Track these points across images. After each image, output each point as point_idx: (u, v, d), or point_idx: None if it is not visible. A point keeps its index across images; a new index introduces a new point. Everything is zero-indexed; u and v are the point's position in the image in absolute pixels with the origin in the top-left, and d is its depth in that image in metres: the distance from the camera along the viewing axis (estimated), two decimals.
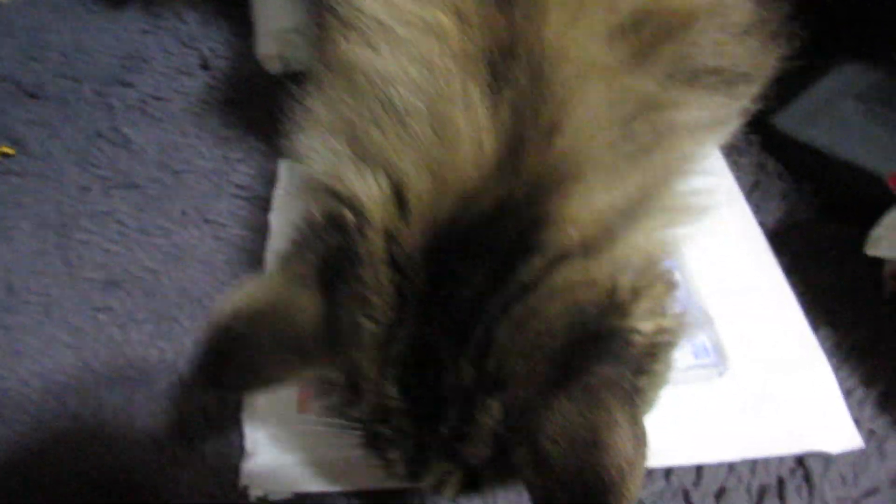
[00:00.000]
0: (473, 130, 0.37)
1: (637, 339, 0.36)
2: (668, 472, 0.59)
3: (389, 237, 0.37)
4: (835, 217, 0.78)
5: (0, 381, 0.65)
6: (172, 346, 0.68)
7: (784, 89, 0.89)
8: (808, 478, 0.59)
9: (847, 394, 0.63)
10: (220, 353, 0.38)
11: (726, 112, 0.50)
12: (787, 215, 0.78)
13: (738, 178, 0.81)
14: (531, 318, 0.35)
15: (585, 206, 0.37)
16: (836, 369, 0.64)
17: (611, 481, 0.31)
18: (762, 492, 0.58)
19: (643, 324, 0.37)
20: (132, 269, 0.74)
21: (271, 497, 0.59)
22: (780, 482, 0.59)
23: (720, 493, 0.58)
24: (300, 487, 0.58)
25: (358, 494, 0.59)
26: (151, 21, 1.04)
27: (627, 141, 0.40)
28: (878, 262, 0.69)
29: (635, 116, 0.41)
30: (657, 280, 0.40)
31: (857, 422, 0.61)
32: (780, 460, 0.60)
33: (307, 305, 0.37)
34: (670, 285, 0.41)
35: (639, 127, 0.41)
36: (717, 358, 0.63)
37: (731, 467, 0.60)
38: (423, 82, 0.38)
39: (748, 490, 0.59)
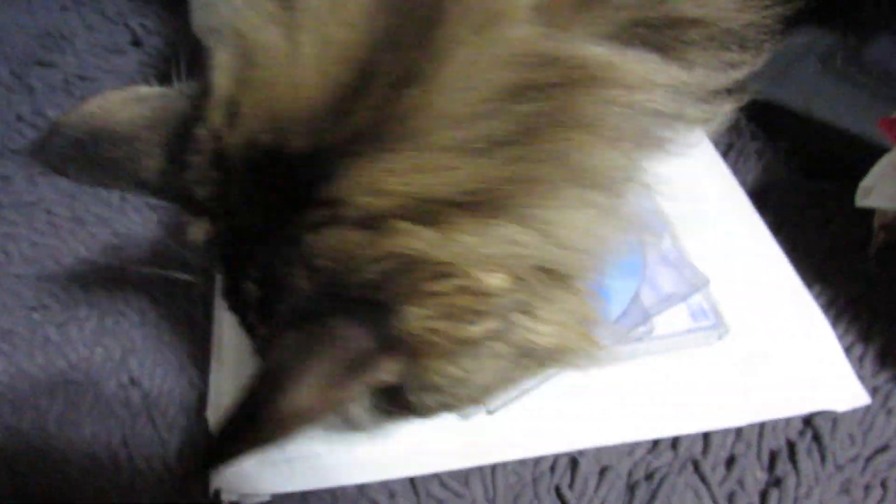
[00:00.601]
0: (321, 61, 0.33)
1: (399, 327, 0.33)
2: (674, 443, 0.56)
3: (217, 137, 0.35)
4: (812, 174, 0.76)
5: None
6: (119, 344, 0.61)
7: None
8: (817, 439, 0.56)
9: (846, 351, 0.61)
10: (65, 139, 0.39)
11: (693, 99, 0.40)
12: (765, 174, 0.77)
13: (713, 140, 0.79)
14: (298, 261, 0.34)
15: (394, 180, 0.32)
16: (833, 326, 0.63)
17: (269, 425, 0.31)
18: (773, 456, 0.56)
19: (412, 321, 0.33)
20: (66, 261, 0.66)
21: (246, 501, 0.52)
22: (791, 445, 0.56)
23: (730, 460, 0.55)
24: (278, 488, 0.53)
25: (343, 491, 0.53)
26: None
27: (500, 120, 0.33)
28: (863, 216, 0.67)
29: (528, 89, 0.33)
30: (458, 291, 0.34)
31: (860, 378, 0.59)
32: (788, 422, 0.57)
33: (156, 146, 0.38)
34: (478, 303, 0.34)
35: (527, 107, 0.33)
36: (716, 320, 0.60)
37: (738, 433, 0.57)
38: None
39: (758, 456, 0.56)
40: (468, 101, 0.32)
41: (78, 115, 0.39)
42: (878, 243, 0.66)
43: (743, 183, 0.74)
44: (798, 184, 0.75)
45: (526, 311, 0.36)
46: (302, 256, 0.33)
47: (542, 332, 0.37)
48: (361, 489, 0.53)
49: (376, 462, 0.54)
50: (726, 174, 0.75)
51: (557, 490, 0.53)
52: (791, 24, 0.87)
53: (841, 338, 0.62)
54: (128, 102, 0.39)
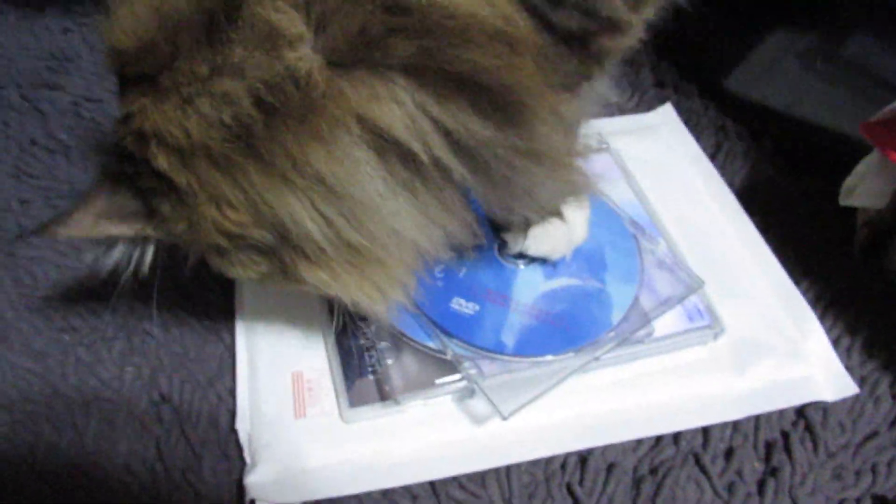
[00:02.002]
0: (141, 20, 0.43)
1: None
2: (676, 438, 0.59)
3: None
4: (798, 171, 0.80)
5: None
6: (148, 362, 0.63)
7: (727, 53, 0.93)
8: (809, 429, 0.60)
9: (834, 343, 0.65)
10: None
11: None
12: (752, 173, 0.80)
13: (700, 143, 0.82)
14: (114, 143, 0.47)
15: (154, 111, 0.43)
16: (821, 320, 0.66)
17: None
18: (769, 447, 0.59)
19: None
20: (90, 283, 0.69)
21: None
22: (785, 436, 0.60)
23: (729, 452, 0.59)
24: (308, 496, 0.56)
25: (368, 496, 0.56)
26: (73, 19, 0.97)
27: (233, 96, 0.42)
28: (847, 213, 0.71)
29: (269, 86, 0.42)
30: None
31: (848, 369, 0.63)
32: (781, 414, 0.61)
33: None
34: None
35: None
36: (711, 319, 0.64)
37: (735, 427, 0.60)
38: None
39: (755, 447, 0.59)
40: (219, 86, 0.42)
41: None
42: (861, 240, 0.70)
43: (731, 183, 0.78)
44: (784, 183, 0.79)
45: (278, 250, 0.48)
46: (113, 138, 0.47)
47: (310, 272, 0.49)
48: (385, 494, 0.56)
49: (399, 468, 0.57)
50: (715, 176, 0.78)
51: (569, 487, 0.57)
52: (770, 25, 0.91)
53: (829, 331, 0.66)
54: None
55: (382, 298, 0.50)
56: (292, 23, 0.40)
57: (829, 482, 0.57)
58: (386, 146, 0.43)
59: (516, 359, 0.60)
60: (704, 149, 0.82)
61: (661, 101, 0.87)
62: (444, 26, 0.40)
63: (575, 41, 0.45)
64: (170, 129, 0.43)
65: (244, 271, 0.50)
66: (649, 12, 0.49)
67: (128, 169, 0.46)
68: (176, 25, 0.42)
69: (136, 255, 0.51)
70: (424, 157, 0.43)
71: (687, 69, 0.92)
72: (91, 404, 0.61)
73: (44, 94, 0.87)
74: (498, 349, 0.60)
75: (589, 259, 0.66)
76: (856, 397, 0.62)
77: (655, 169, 0.77)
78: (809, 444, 0.59)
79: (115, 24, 0.44)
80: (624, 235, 0.68)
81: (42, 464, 0.58)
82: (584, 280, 0.65)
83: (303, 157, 0.42)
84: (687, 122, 0.85)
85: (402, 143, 0.43)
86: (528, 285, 0.65)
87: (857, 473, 0.58)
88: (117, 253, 0.51)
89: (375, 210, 0.45)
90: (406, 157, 0.44)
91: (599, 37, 0.46)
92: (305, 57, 0.40)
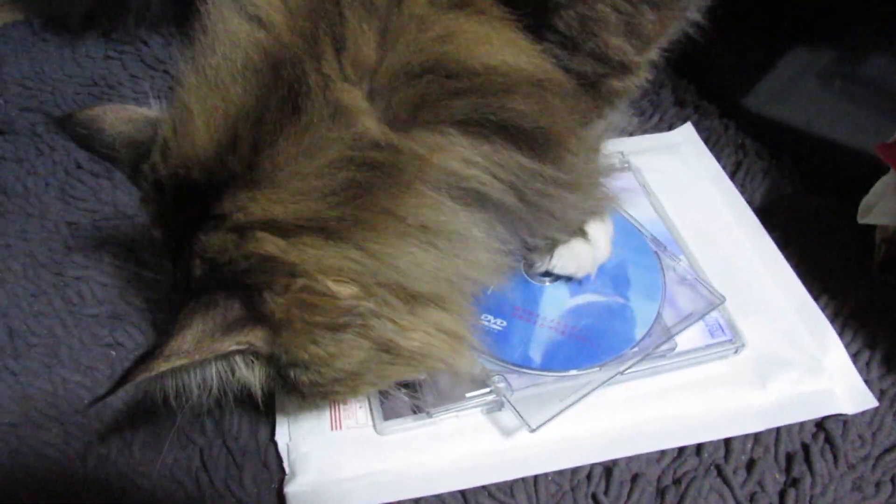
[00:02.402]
0: (207, 124, 0.46)
1: (262, 304, 0.46)
2: (699, 449, 0.61)
3: (153, 168, 0.49)
4: (817, 189, 0.81)
5: (13, 429, 0.63)
6: None
7: (747, 73, 0.95)
8: (830, 441, 0.61)
9: (853, 357, 0.67)
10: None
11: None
12: (772, 191, 0.82)
13: (720, 161, 0.84)
14: (195, 254, 0.47)
15: (255, 205, 0.45)
16: (840, 334, 0.68)
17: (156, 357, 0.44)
18: (789, 458, 0.61)
19: (270, 302, 0.46)
20: (135, 301, 0.72)
21: None
22: (805, 448, 0.61)
23: (750, 464, 0.61)
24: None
25: None
26: (112, 46, 1.01)
27: (327, 179, 0.44)
28: (866, 230, 0.73)
29: (352, 162, 0.44)
30: (305, 289, 0.46)
31: (868, 382, 0.65)
32: (801, 426, 0.63)
33: (126, 164, 0.54)
34: (325, 301, 0.46)
35: (347, 174, 0.45)
36: (732, 334, 0.65)
37: (756, 438, 0.62)
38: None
39: (776, 459, 0.61)
40: (308, 164, 0.44)
41: (85, 114, 0.54)
42: (880, 256, 0.72)
43: (750, 201, 0.80)
44: (802, 200, 0.80)
45: (382, 316, 0.48)
46: (197, 251, 0.47)
47: (407, 336, 0.49)
48: (417, 502, 0.59)
49: (430, 478, 0.60)
50: (733, 192, 0.80)
51: (594, 497, 0.59)
52: (789, 44, 0.92)
53: (848, 345, 0.67)
54: (119, 118, 0.54)
55: (462, 343, 0.52)
56: (356, 99, 0.44)
57: (849, 493, 0.59)
58: (456, 188, 0.46)
59: (543, 373, 0.62)
60: (724, 167, 0.84)
61: (682, 121, 0.89)
62: (495, 83, 0.45)
63: (588, 84, 0.50)
64: (272, 214, 0.44)
65: (344, 360, 0.49)
66: (654, 54, 0.53)
67: (223, 273, 0.46)
68: (251, 121, 0.45)
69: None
70: (484, 191, 0.47)
71: (707, 88, 0.94)
72: (137, 416, 0.64)
73: None
74: (525, 364, 0.63)
75: (612, 276, 0.69)
76: (875, 410, 0.63)
77: (676, 187, 0.79)
78: (830, 456, 0.61)
79: (184, 140, 0.47)
80: (646, 253, 0.71)
81: (93, 473, 0.61)
82: (608, 296, 0.68)
83: (401, 209, 0.45)
84: (707, 141, 0.87)
85: (466, 182, 0.46)
86: (554, 302, 0.67)
87: (878, 485, 0.59)
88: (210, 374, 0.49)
89: (465, 244, 0.48)
90: (470, 195, 0.47)
91: (610, 79, 0.50)
92: (373, 125, 0.44)
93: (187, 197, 0.47)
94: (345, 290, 0.46)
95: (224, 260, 0.46)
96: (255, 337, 0.46)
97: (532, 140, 0.47)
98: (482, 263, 0.50)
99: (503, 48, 0.45)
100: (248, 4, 0.47)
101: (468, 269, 0.49)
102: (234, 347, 0.46)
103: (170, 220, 0.49)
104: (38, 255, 0.76)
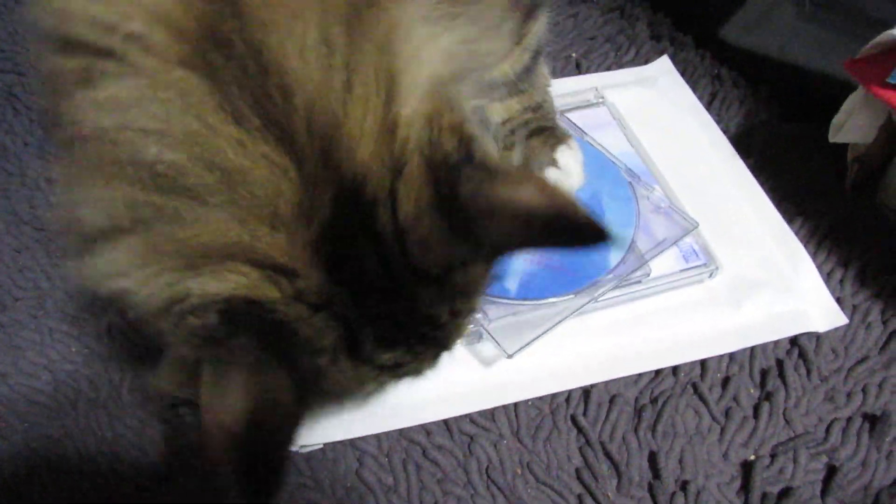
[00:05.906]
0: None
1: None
2: (675, 370, 0.63)
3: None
4: (793, 116, 0.82)
5: (4, 378, 0.64)
6: None
7: (722, 2, 0.94)
8: (803, 355, 0.63)
9: (827, 276, 0.68)
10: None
11: None
12: (748, 119, 0.82)
13: (697, 92, 0.84)
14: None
15: None
16: (814, 255, 0.69)
17: None
18: (764, 374, 0.62)
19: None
20: None
21: (301, 450, 0.60)
22: (779, 363, 0.63)
23: (725, 381, 0.62)
24: (332, 436, 0.60)
25: (387, 435, 0.60)
26: None
27: None
28: (841, 153, 0.73)
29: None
30: None
31: (840, 300, 0.66)
32: (776, 344, 0.64)
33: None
34: None
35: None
36: (707, 259, 0.66)
37: (731, 357, 0.63)
38: None
39: (750, 375, 0.63)
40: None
41: None
42: (852, 176, 0.72)
43: (726, 130, 0.80)
44: (778, 127, 0.81)
45: None
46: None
47: None
48: (402, 432, 0.60)
49: (414, 408, 0.61)
50: (710, 123, 0.80)
51: (573, 418, 0.61)
52: None
53: (822, 265, 0.68)
54: None
55: None
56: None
57: (821, 404, 0.60)
58: None
59: (520, 302, 0.63)
60: (701, 98, 0.84)
61: (658, 54, 0.89)
62: None
63: None
64: None
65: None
66: None
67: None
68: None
69: None
70: None
71: (682, 20, 0.94)
72: (126, 362, 0.65)
73: None
74: (502, 294, 0.64)
75: (587, 206, 0.69)
76: (847, 325, 0.65)
77: (652, 119, 0.80)
78: (803, 370, 0.62)
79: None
80: (620, 184, 0.71)
81: (84, 417, 0.62)
82: None
83: None
84: (683, 73, 0.87)
85: None
86: None
87: (849, 395, 0.61)
88: None
89: None
90: None
91: None
92: None
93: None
94: None
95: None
96: None
97: None
98: None
99: None
100: None
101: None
102: None
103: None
104: (20, 213, 0.77)
